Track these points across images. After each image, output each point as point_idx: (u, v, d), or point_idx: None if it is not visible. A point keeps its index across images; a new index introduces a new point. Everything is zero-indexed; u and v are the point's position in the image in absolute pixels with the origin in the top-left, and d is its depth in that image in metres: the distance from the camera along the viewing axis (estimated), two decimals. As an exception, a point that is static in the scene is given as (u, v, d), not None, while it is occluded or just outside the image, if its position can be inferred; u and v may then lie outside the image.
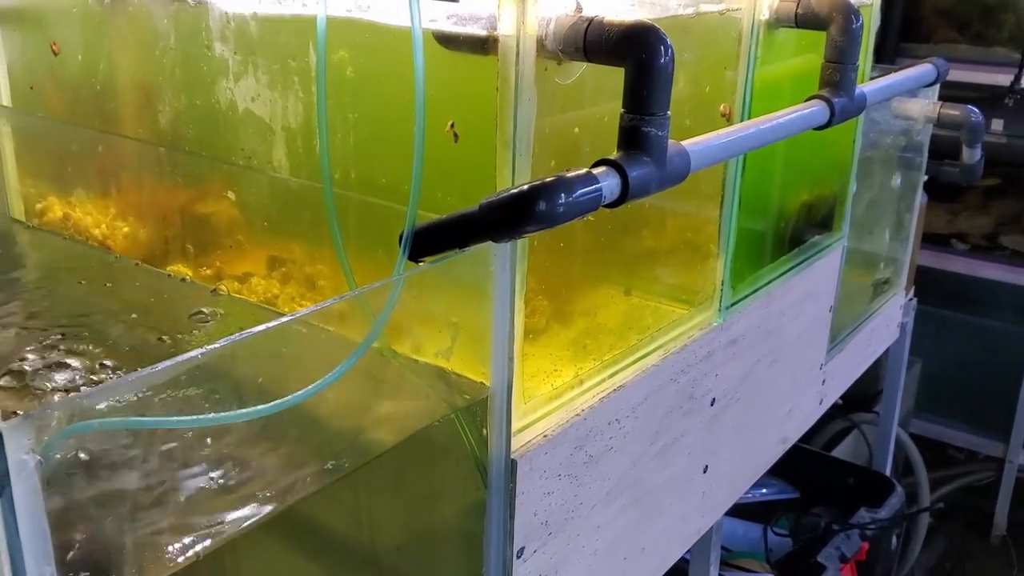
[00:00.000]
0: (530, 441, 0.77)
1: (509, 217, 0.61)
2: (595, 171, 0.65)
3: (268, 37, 0.81)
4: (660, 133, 0.68)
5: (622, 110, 0.68)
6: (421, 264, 0.67)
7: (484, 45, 0.69)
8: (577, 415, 0.81)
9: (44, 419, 0.43)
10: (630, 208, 0.94)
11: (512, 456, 0.75)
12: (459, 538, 0.77)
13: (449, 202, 0.74)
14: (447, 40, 0.72)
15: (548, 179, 0.62)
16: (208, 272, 0.94)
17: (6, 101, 1.07)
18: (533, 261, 0.81)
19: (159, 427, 0.65)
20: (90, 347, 0.80)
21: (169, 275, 0.95)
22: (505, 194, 0.61)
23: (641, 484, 0.93)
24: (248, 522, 0.63)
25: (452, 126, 0.72)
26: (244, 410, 0.63)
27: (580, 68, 0.73)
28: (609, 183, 0.65)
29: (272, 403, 0.62)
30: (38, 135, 1.05)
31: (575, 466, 0.82)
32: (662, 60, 0.66)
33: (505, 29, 0.67)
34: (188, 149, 0.91)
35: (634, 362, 0.90)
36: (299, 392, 0.63)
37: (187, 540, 0.61)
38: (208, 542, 0.61)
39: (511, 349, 0.72)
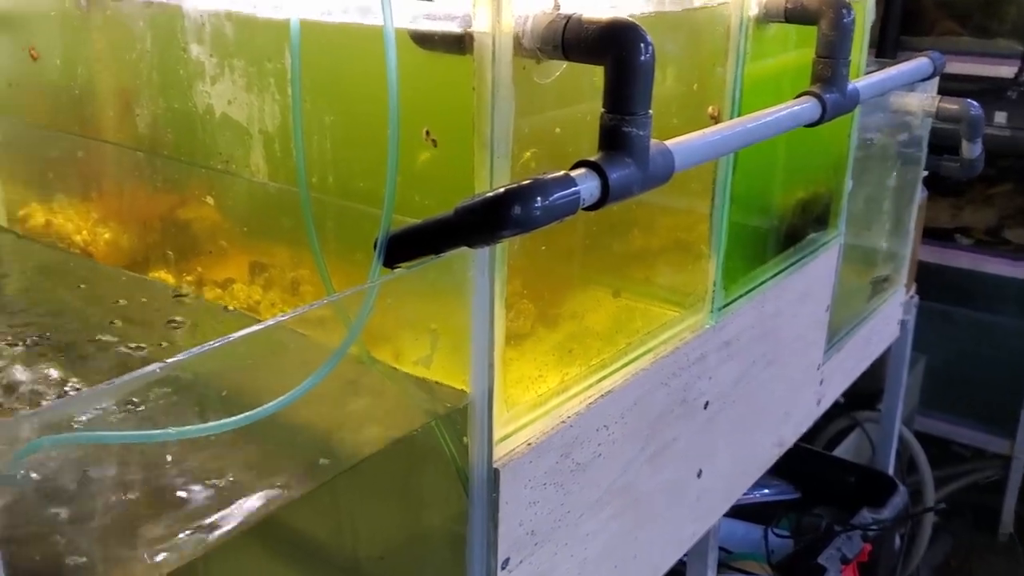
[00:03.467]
0: (514, 449, 0.75)
1: (483, 222, 0.59)
2: (573, 173, 0.63)
3: (244, 39, 0.80)
4: (641, 133, 0.66)
5: (602, 110, 0.66)
6: (396, 270, 0.66)
7: (460, 44, 0.67)
8: (563, 422, 0.80)
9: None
10: (619, 208, 0.93)
11: (495, 465, 0.73)
12: (442, 548, 0.75)
13: (428, 206, 0.72)
14: (423, 39, 0.70)
15: (524, 182, 0.60)
16: (190, 278, 0.92)
17: (-13, 107, 1.06)
18: (517, 263, 0.80)
19: (122, 442, 0.63)
20: (62, 355, 0.78)
21: (150, 281, 0.93)
22: (479, 198, 0.60)
23: (632, 490, 0.91)
24: (223, 530, 0.61)
25: (428, 134, 0.70)
26: (215, 423, 0.62)
27: (560, 67, 0.71)
28: (588, 185, 0.63)
29: (243, 415, 0.60)
30: (19, 140, 1.03)
31: (561, 474, 0.80)
32: (642, 58, 0.65)
33: (480, 27, 0.65)
34: (167, 154, 0.89)
35: (623, 366, 0.88)
36: (272, 402, 0.62)
37: (162, 551, 0.59)
38: (185, 552, 0.59)
39: (491, 356, 0.70)
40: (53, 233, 1.01)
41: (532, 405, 0.78)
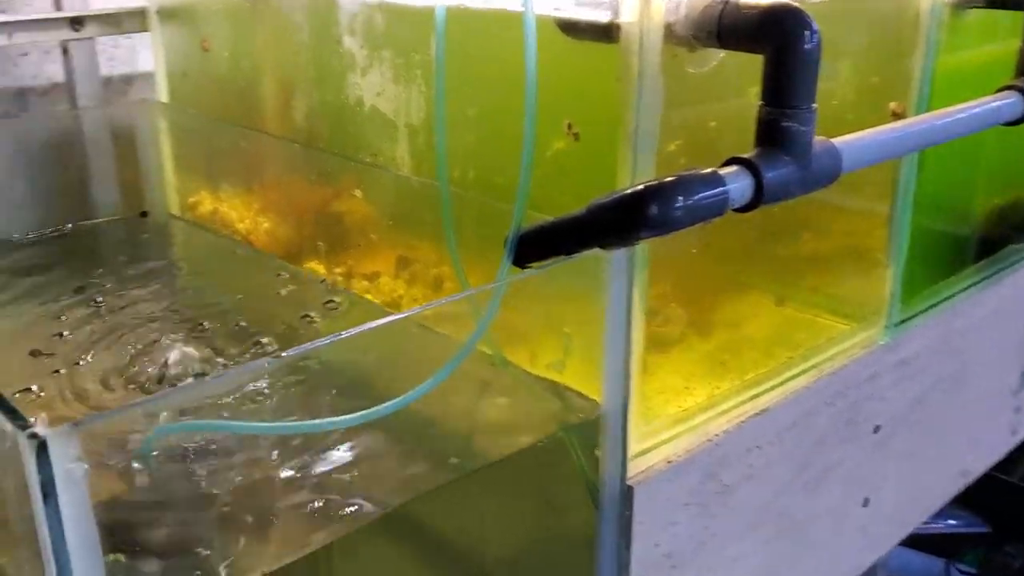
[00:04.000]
0: (652, 466, 0.70)
1: (618, 222, 0.55)
2: (723, 171, 0.58)
3: (393, 29, 0.78)
4: (803, 128, 0.59)
5: (760, 102, 0.60)
6: (526, 270, 0.62)
7: (608, 32, 0.63)
8: (709, 440, 0.74)
9: (92, 428, 0.42)
10: (787, 208, 0.86)
11: (629, 482, 0.68)
12: (568, 564, 0.71)
13: (568, 204, 0.68)
14: (569, 27, 0.66)
15: (663, 179, 0.55)
16: (340, 271, 0.92)
17: (164, 97, 1.10)
18: (669, 262, 0.75)
19: (250, 432, 0.63)
20: (212, 337, 0.80)
21: (298, 272, 0.94)
22: (614, 196, 0.55)
23: (786, 516, 0.84)
24: (349, 518, 0.60)
25: (570, 127, 0.66)
26: (336, 418, 0.60)
27: (717, 56, 0.66)
28: (739, 185, 0.58)
29: (360, 413, 0.58)
30: (191, 130, 1.07)
31: (705, 495, 0.75)
32: (806, 46, 0.58)
33: (628, 14, 0.60)
34: (321, 146, 0.89)
35: (782, 383, 0.81)
36: (392, 401, 0.60)
37: (287, 536, 0.59)
38: (310, 539, 0.59)
39: (627, 367, 0.66)
40: (219, 220, 1.05)
41: (674, 420, 0.73)
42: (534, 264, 0.62)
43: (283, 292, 0.91)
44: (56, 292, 0.90)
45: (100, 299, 0.88)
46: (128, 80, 1.17)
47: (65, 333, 0.82)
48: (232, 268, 0.98)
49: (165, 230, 1.09)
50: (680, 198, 0.54)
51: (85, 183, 1.09)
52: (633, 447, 0.69)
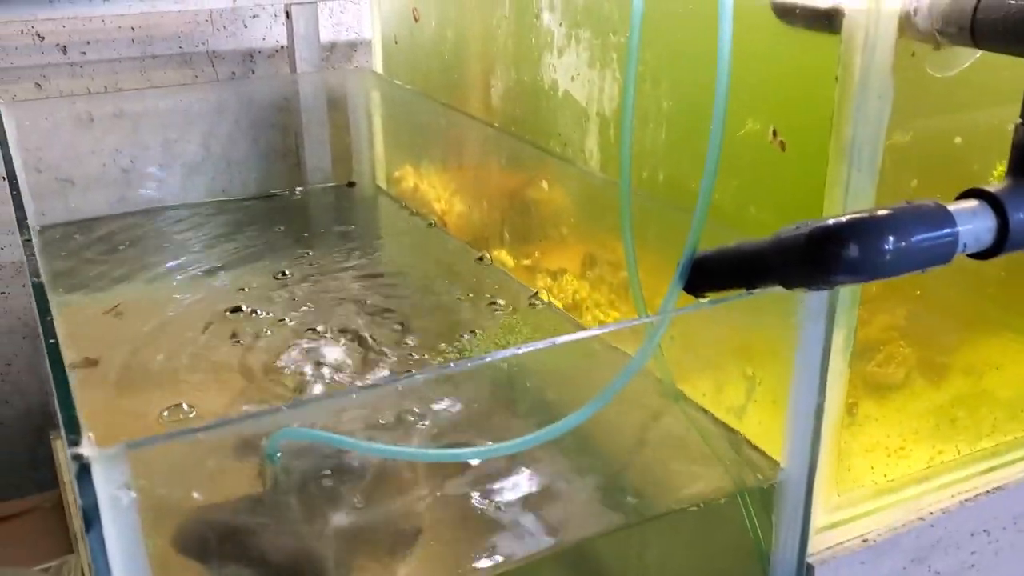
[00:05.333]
0: (842, 543, 0.59)
1: (805, 261, 0.44)
2: (955, 206, 0.45)
3: (592, 5, 0.70)
4: (1075, 156, 0.45)
5: (1018, 120, 0.47)
6: (700, 300, 0.52)
7: (830, 19, 0.51)
8: (920, 519, 0.61)
9: (143, 452, 0.37)
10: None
11: (809, 560, 0.58)
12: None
13: (766, 222, 0.58)
14: (786, 12, 0.55)
15: (870, 213, 0.44)
16: (527, 263, 0.86)
17: (378, 66, 1.08)
18: (903, 287, 0.62)
19: (379, 454, 0.58)
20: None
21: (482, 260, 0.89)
22: (805, 227, 0.44)
23: (1019, 616, 0.69)
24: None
25: (775, 133, 0.55)
26: (477, 449, 0.54)
27: (969, 57, 0.52)
28: (975, 226, 0.45)
29: (505, 443, 0.51)
30: (398, 102, 1.04)
31: (910, 582, 0.62)
32: (1092, 47, 0.44)
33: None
34: (514, 130, 0.83)
35: (1029, 455, 0.66)
36: (535, 433, 0.52)
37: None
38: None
39: (818, 426, 0.54)
40: (419, 198, 1.01)
41: (878, 490, 0.61)
42: (708, 294, 0.52)
43: (460, 294, 0.85)
44: (252, 262, 0.90)
45: (288, 272, 0.87)
46: (353, 46, 1.16)
47: (244, 308, 0.81)
48: (420, 252, 0.94)
49: (367, 203, 1.08)
50: (890, 238, 0.43)
51: (300, 148, 1.10)
52: (820, 518, 0.58)
